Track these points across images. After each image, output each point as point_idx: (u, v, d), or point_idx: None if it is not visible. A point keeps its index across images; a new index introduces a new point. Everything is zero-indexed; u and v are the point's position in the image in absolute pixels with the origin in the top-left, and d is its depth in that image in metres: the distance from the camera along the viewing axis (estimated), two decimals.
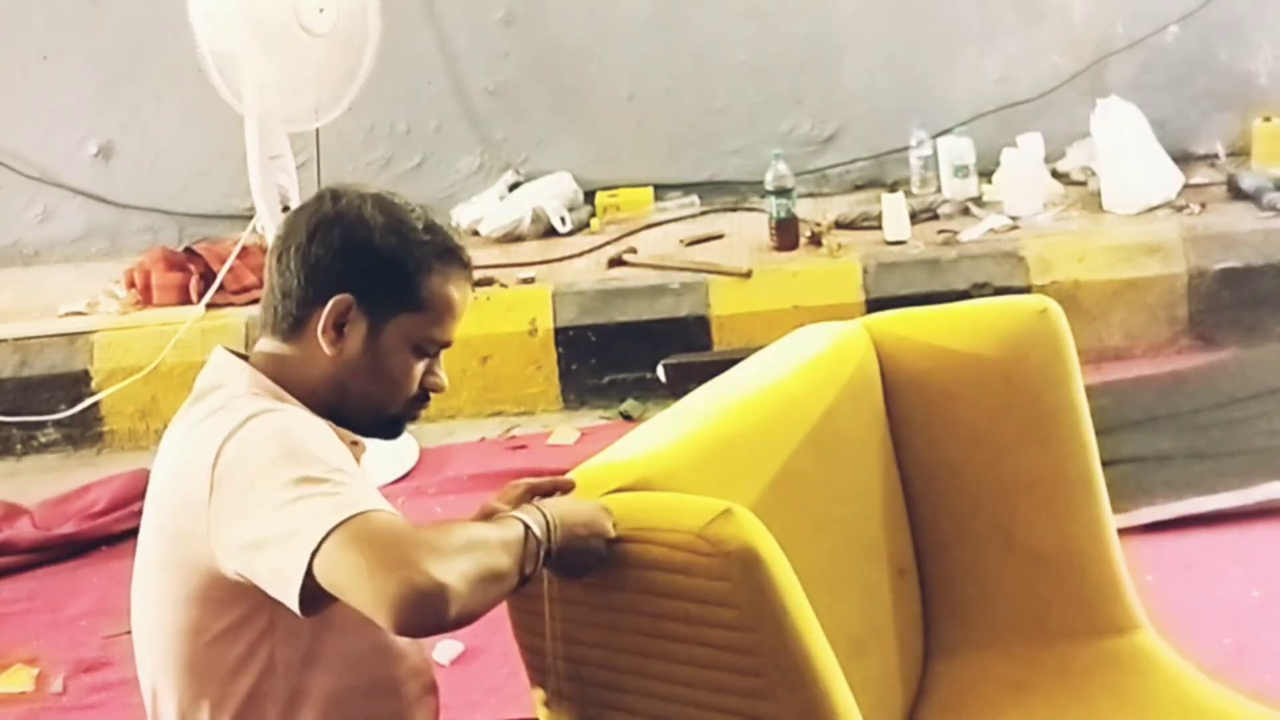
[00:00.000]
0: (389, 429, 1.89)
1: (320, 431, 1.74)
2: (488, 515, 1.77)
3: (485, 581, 1.59)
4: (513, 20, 4.96)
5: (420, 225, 1.83)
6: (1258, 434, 3.61)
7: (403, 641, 1.87)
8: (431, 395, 1.90)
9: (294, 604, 1.59)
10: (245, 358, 1.85)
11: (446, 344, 1.87)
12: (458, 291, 1.85)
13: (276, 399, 1.78)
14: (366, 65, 3.80)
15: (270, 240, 3.96)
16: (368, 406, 1.85)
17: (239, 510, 1.65)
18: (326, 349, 1.80)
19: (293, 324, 1.82)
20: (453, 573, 1.54)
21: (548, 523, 1.68)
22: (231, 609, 1.73)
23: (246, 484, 1.65)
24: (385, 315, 1.81)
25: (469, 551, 1.58)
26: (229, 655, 1.75)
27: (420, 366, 1.85)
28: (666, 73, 4.98)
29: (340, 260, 1.80)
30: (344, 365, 1.81)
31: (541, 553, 1.67)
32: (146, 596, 1.82)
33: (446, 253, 1.84)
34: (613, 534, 1.74)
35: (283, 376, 1.82)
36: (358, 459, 1.87)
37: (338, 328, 1.80)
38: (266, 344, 1.85)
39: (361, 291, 1.80)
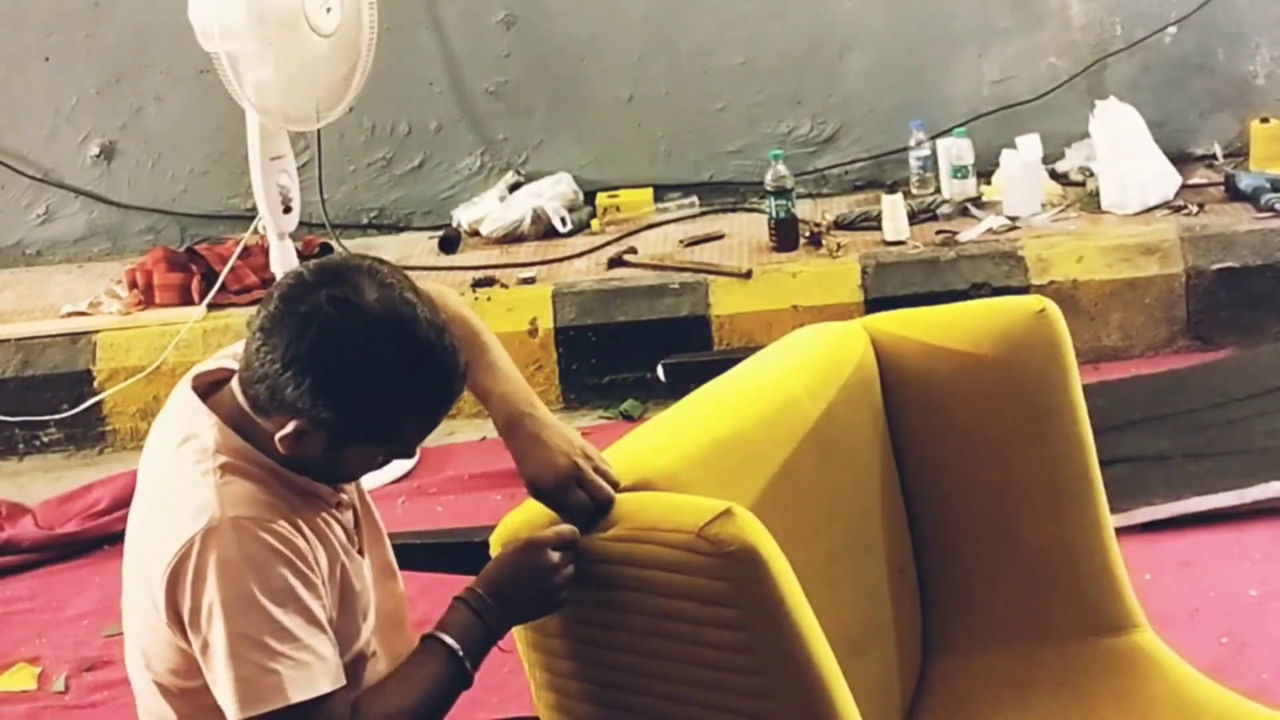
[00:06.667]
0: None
1: (279, 564, 1.69)
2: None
3: None
4: (513, 21, 4.96)
5: (431, 363, 1.69)
6: (1255, 434, 3.61)
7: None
8: None
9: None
10: (221, 384, 1.80)
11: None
12: (441, 417, 1.76)
13: (245, 461, 1.74)
14: (363, 65, 3.81)
15: (272, 258, 3.98)
16: (327, 480, 1.82)
17: (192, 625, 1.70)
18: (282, 450, 1.72)
19: (257, 406, 1.73)
20: None
21: (480, 618, 1.79)
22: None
23: (201, 613, 1.68)
24: (349, 442, 1.73)
25: None
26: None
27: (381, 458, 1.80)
28: (666, 73, 4.98)
29: (326, 395, 1.67)
30: (300, 458, 1.74)
31: (476, 656, 1.79)
32: (130, 624, 1.86)
33: (443, 395, 1.73)
34: (561, 564, 1.77)
35: (249, 435, 1.76)
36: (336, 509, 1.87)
37: (296, 438, 1.71)
38: (239, 395, 1.76)
39: (328, 425, 1.70)
